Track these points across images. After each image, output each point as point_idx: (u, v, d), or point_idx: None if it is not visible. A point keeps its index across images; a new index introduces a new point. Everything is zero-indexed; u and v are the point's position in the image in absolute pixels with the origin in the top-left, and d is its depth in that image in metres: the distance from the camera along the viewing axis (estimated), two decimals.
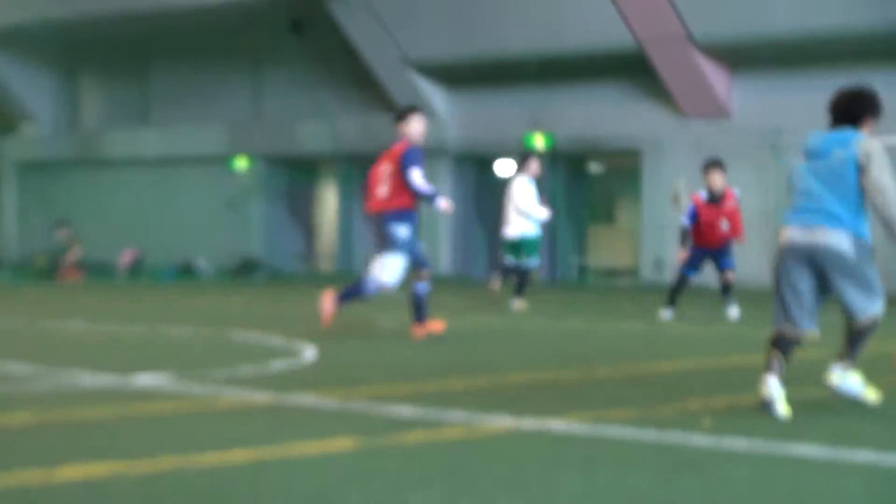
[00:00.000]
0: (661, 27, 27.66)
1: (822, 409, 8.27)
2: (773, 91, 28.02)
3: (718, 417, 7.74)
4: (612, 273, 31.77)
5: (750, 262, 27.85)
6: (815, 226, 8.11)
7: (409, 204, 13.41)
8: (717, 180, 17.30)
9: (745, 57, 27.88)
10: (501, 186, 33.79)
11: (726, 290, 17.72)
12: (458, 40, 30.45)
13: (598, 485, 5.71)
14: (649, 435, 7.06)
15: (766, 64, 27.94)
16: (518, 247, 19.25)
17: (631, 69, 29.37)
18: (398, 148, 13.55)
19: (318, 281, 30.23)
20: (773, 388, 7.94)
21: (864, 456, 6.44)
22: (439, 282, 29.31)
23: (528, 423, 7.45)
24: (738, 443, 6.81)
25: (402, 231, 13.34)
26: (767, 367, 8.05)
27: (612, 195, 33.13)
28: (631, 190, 31.47)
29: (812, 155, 8.36)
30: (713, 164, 17.53)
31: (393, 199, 13.39)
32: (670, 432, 7.13)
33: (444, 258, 32.51)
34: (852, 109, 8.41)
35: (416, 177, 13.31)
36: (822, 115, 26.93)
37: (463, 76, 31.85)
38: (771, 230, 27.49)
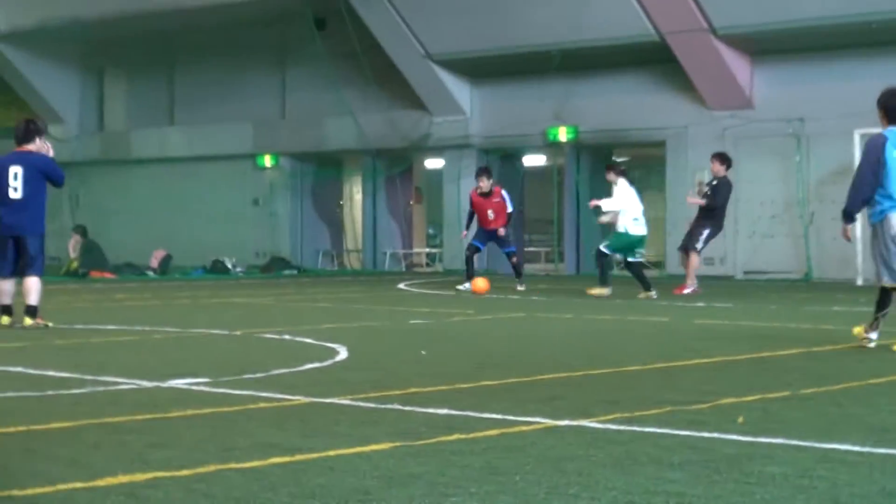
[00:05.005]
0: (683, 18, 27.62)
1: (856, 405, 8.30)
2: (796, 80, 27.97)
3: (752, 414, 7.76)
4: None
5: (777, 252, 27.83)
6: None
7: None
8: (484, 183, 22.99)
9: (767, 47, 27.83)
10: (526, 179, 33.95)
11: (516, 270, 23.55)
12: (480, 34, 30.46)
13: (638, 483, 5.74)
14: (685, 433, 7.09)
15: (788, 53, 27.88)
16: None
17: (654, 60, 29.35)
18: None
19: (346, 278, 30.30)
20: None
21: None
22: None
23: (564, 423, 7.49)
24: (774, 440, 6.84)
25: None
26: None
27: (637, 186, 33.02)
28: (656, 181, 31.44)
29: None
30: (482, 170, 23.72)
31: None
32: (705, 430, 7.16)
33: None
34: None
35: None
36: (844, 103, 27.01)
37: (486, 70, 31.86)
38: (796, 220, 27.46)
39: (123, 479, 5.95)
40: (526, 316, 17.13)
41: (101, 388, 9.32)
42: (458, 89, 32.61)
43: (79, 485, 5.82)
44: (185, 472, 6.11)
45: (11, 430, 7.43)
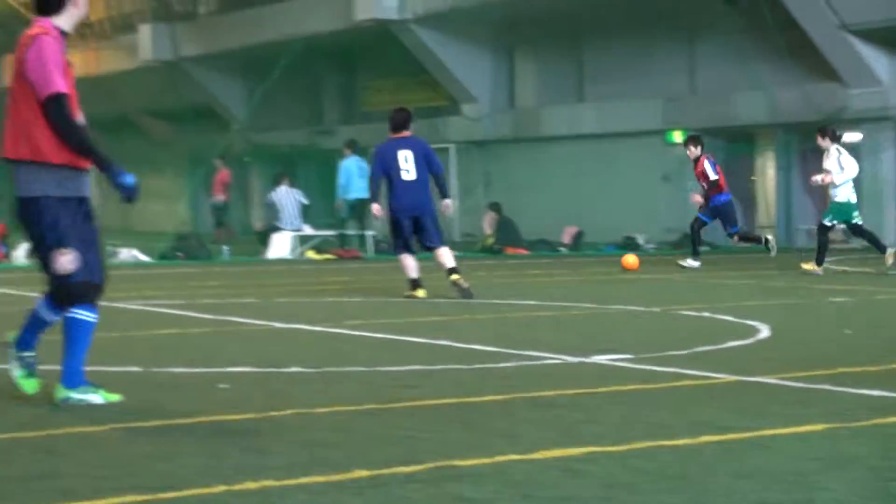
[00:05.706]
0: None
1: None
2: None
3: None
4: None
5: None
6: None
7: None
8: (690, 150, 22.81)
9: None
10: None
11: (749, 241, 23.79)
12: None
13: None
14: None
15: None
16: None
17: None
18: None
19: (757, 255, 29.82)
20: None
21: None
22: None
23: None
24: None
25: None
26: None
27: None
28: None
29: None
30: (689, 138, 23.57)
31: None
32: None
33: (890, 227, 31.43)
34: None
35: None
36: None
37: None
38: None
39: (558, 452, 6.03)
40: None
41: (528, 363, 9.48)
42: (875, 60, 31.55)
43: (516, 457, 5.94)
44: (618, 448, 6.14)
45: (447, 401, 7.64)
